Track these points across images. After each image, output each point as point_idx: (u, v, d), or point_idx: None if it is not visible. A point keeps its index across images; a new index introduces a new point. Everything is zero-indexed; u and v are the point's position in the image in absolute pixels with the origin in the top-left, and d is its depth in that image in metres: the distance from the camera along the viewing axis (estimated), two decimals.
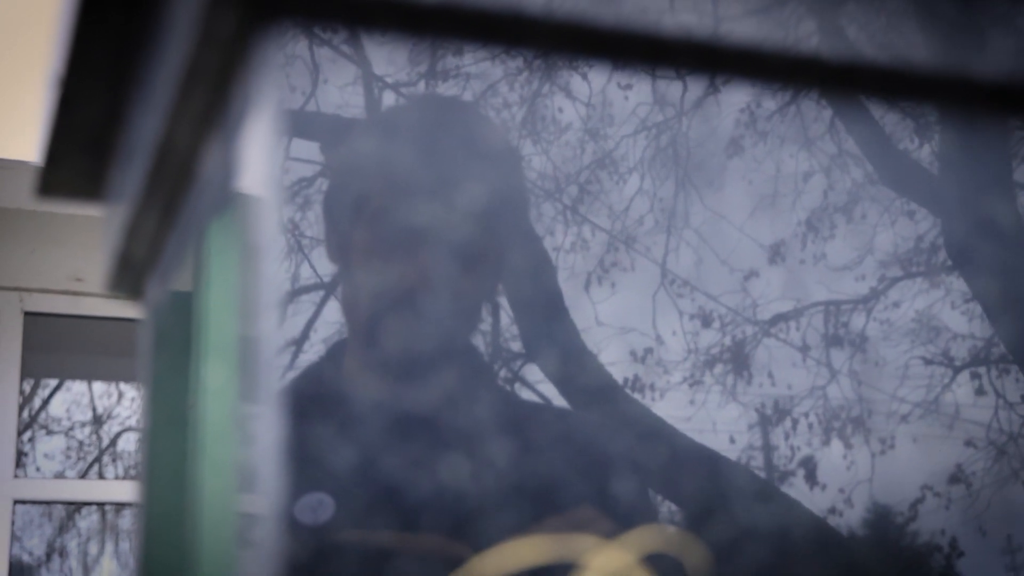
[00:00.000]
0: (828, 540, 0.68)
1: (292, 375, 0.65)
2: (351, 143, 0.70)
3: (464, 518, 0.63)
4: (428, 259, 0.67)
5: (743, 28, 0.57)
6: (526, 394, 0.69)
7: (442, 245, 0.67)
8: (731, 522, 0.67)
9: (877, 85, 0.60)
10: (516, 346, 0.69)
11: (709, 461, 0.68)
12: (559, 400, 0.69)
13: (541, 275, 0.69)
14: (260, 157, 0.57)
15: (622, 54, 0.57)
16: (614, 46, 0.55)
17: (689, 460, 0.68)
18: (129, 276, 0.90)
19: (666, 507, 0.70)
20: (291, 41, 0.60)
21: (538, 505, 0.65)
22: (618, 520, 0.65)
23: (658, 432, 0.68)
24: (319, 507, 0.63)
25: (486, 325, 0.69)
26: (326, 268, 0.68)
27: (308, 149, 0.67)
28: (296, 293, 0.67)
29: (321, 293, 0.68)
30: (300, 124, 0.66)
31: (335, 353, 0.68)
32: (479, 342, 0.70)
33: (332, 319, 0.68)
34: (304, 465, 0.60)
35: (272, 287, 0.61)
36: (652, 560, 0.63)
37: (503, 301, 0.69)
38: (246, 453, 0.58)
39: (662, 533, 0.65)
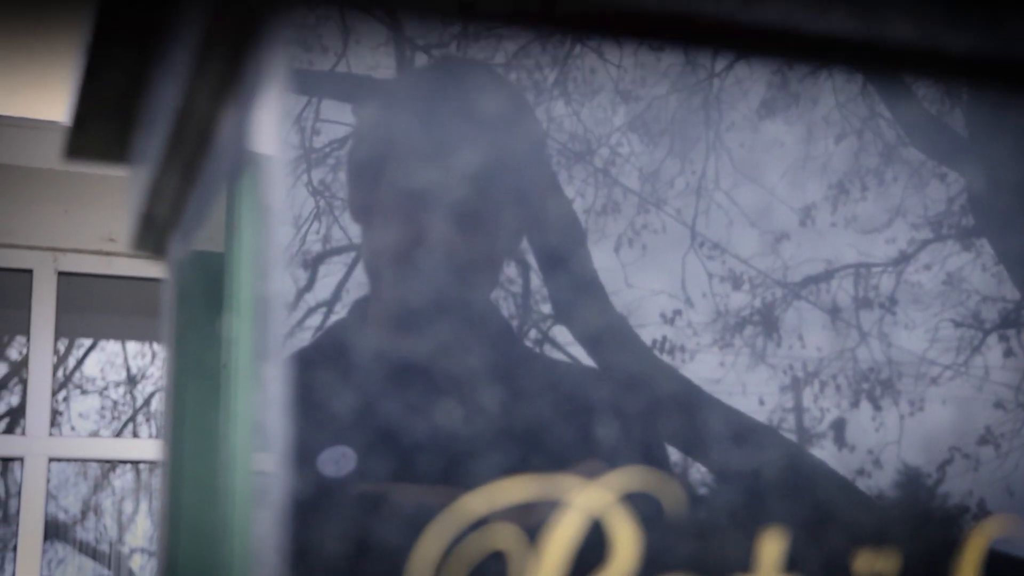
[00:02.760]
0: (850, 494, 0.69)
1: (315, 333, 0.65)
2: (373, 104, 0.70)
3: (468, 461, 0.64)
4: (441, 219, 0.67)
5: (772, 4, 0.57)
6: (555, 355, 0.69)
7: (455, 204, 0.67)
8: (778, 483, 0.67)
9: (906, 60, 0.59)
10: (545, 308, 0.70)
11: (750, 431, 0.68)
12: (587, 361, 0.69)
13: (570, 237, 0.69)
14: (274, 120, 0.57)
15: (649, 32, 0.57)
16: (641, 24, 0.55)
17: (723, 427, 0.68)
18: (153, 235, 0.91)
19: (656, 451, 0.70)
20: (310, 9, 0.60)
21: (557, 450, 0.66)
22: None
23: (687, 394, 0.68)
24: (342, 460, 0.64)
25: (516, 287, 0.70)
26: (353, 228, 0.68)
27: (335, 110, 0.67)
28: (325, 254, 0.67)
29: (348, 254, 0.68)
30: (317, 86, 0.66)
31: (358, 310, 0.68)
32: (505, 302, 0.70)
33: (360, 279, 0.68)
34: (320, 418, 0.61)
35: (289, 248, 0.62)
36: (633, 499, 0.64)
37: (532, 262, 0.70)
38: (269, 408, 0.59)
39: (643, 474, 0.65)
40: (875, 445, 0.68)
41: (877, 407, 0.68)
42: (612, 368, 0.70)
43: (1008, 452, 0.69)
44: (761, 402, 0.68)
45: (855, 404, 0.68)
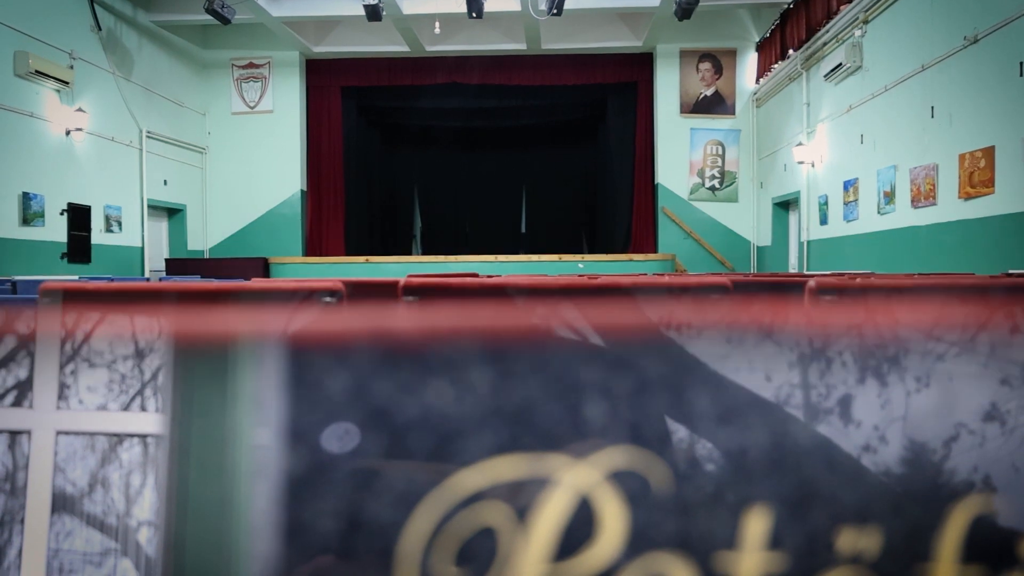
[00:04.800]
0: (852, 469, 0.69)
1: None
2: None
3: (460, 440, 0.65)
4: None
5: None
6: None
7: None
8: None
9: None
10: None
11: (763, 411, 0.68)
12: (594, 339, 0.69)
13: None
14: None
15: None
16: None
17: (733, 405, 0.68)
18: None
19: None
20: None
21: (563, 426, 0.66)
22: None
23: (697, 374, 0.68)
24: (345, 436, 0.65)
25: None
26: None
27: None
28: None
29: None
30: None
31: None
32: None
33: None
34: (317, 397, 0.62)
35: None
36: (619, 477, 0.65)
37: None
38: (266, 387, 0.59)
39: (629, 453, 0.66)
40: (881, 421, 0.68)
41: (883, 383, 0.68)
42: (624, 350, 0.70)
43: (1014, 428, 0.69)
44: (768, 378, 0.68)
45: (861, 380, 0.68)
